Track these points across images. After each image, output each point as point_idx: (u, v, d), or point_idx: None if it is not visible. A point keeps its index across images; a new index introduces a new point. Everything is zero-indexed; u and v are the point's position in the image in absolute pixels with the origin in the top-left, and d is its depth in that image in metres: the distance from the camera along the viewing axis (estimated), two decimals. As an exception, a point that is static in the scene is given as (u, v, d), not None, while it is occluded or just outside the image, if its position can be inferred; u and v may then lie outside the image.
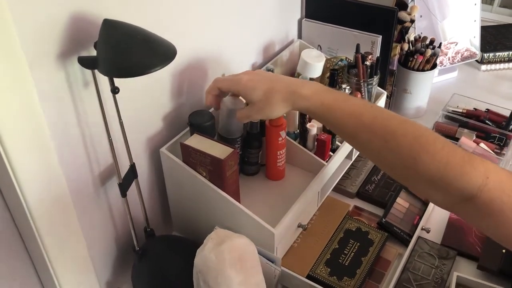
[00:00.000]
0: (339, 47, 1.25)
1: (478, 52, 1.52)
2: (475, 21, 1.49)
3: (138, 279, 0.85)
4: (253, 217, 0.80)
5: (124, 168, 0.79)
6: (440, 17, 1.44)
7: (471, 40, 1.51)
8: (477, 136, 1.20)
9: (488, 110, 1.28)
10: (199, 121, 0.87)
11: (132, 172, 0.80)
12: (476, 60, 1.55)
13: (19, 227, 0.72)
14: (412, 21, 1.29)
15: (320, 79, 1.13)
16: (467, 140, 1.17)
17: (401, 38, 1.28)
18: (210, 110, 0.90)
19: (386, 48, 1.19)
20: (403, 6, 1.25)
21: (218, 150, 0.80)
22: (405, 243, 0.95)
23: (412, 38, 1.29)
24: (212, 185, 0.82)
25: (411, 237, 0.96)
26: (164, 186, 0.93)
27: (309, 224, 0.98)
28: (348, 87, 1.05)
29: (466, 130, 1.21)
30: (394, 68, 1.27)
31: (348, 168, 1.09)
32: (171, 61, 0.66)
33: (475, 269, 0.91)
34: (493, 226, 0.61)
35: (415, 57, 1.26)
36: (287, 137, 0.97)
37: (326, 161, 0.97)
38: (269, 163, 0.98)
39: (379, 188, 1.09)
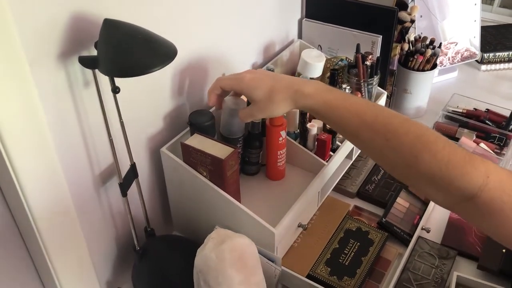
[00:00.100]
0: (339, 47, 1.25)
1: (478, 52, 1.52)
2: (475, 21, 1.49)
3: (138, 278, 0.85)
4: (254, 216, 0.80)
5: (125, 167, 0.79)
6: (440, 17, 1.44)
7: (471, 40, 1.51)
8: (477, 136, 1.20)
9: (488, 110, 1.28)
10: (199, 120, 0.87)
11: (133, 171, 0.80)
12: (476, 60, 1.56)
13: (19, 227, 0.72)
14: (412, 21, 1.29)
15: (321, 79, 1.13)
16: (467, 140, 1.17)
17: (401, 38, 1.28)
18: (211, 110, 0.90)
19: (386, 48, 1.19)
20: (403, 6, 1.26)
21: (218, 150, 0.81)
22: (405, 243, 0.95)
23: (412, 38, 1.29)
24: (212, 185, 0.82)
25: (411, 237, 0.96)
26: (164, 185, 0.93)
27: (309, 224, 0.98)
28: (349, 87, 1.05)
29: (466, 130, 1.21)
30: (394, 68, 1.27)
31: (348, 168, 1.09)
32: (171, 61, 0.66)
33: (475, 269, 0.91)
34: (493, 225, 0.61)
35: (415, 57, 1.26)
36: (287, 137, 0.97)
37: (326, 161, 0.97)
38: (269, 163, 0.98)
39: (379, 188, 1.09)
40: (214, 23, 0.97)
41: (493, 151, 1.15)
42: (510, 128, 1.20)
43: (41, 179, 0.67)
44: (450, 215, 1.02)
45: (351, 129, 0.68)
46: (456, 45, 1.49)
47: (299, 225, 0.92)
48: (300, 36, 1.32)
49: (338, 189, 1.08)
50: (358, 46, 1.09)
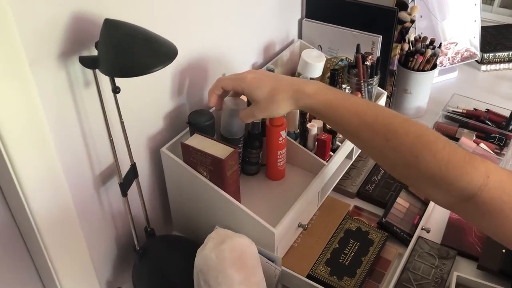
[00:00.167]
0: (339, 47, 1.25)
1: (478, 52, 1.52)
2: (475, 21, 1.49)
3: (138, 278, 0.85)
4: (254, 216, 0.80)
5: (125, 167, 0.79)
6: (440, 17, 1.44)
7: (471, 41, 1.51)
8: (477, 136, 1.20)
9: (488, 110, 1.28)
10: (199, 120, 0.87)
11: (133, 171, 0.80)
12: (476, 61, 1.56)
13: (20, 227, 0.72)
14: (412, 21, 1.29)
15: (321, 79, 1.14)
16: (467, 140, 1.17)
17: (401, 38, 1.28)
18: (211, 110, 0.91)
19: (386, 48, 1.19)
20: (403, 6, 1.26)
21: (218, 150, 0.81)
22: (405, 243, 0.95)
23: (412, 38, 1.30)
24: (212, 185, 0.82)
25: (411, 237, 0.96)
26: (164, 185, 0.93)
27: (309, 224, 0.98)
28: (349, 87, 1.05)
29: (466, 130, 1.22)
30: (394, 68, 1.27)
31: (348, 168, 1.09)
32: (172, 61, 0.66)
33: (475, 269, 0.91)
34: (493, 225, 0.61)
35: (415, 57, 1.26)
36: (287, 137, 0.97)
37: (327, 161, 0.97)
38: (269, 163, 0.98)
39: (379, 188, 1.09)
40: (214, 23, 0.97)
41: (493, 151, 1.15)
42: (510, 128, 1.20)
43: (41, 179, 0.67)
44: (450, 215, 1.02)
45: (352, 129, 0.68)
46: (456, 45, 1.49)
47: (299, 225, 0.92)
48: (300, 36, 1.32)
49: (338, 189, 1.08)
50: (358, 46, 1.09)
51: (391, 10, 1.16)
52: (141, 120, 0.85)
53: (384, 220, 0.98)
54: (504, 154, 1.15)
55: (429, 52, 1.25)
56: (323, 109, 0.70)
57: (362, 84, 1.09)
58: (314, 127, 0.99)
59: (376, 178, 1.11)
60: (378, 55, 1.18)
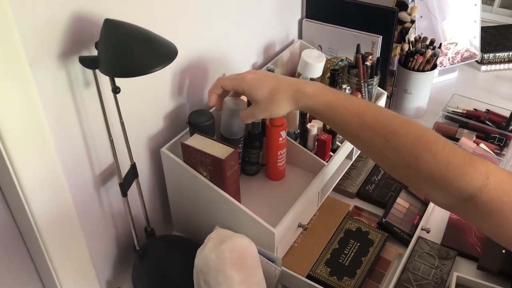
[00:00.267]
0: (339, 48, 1.25)
1: (478, 52, 1.52)
2: (475, 21, 1.49)
3: (138, 278, 0.85)
4: (254, 217, 0.80)
5: (125, 167, 0.79)
6: (440, 17, 1.44)
7: (471, 41, 1.51)
8: (477, 137, 1.20)
9: (488, 111, 1.28)
10: (199, 120, 0.87)
11: (133, 171, 0.80)
12: (476, 61, 1.56)
13: (20, 227, 0.72)
14: (412, 22, 1.29)
15: (321, 80, 1.14)
16: (467, 140, 1.17)
17: (401, 39, 1.28)
18: (211, 110, 0.90)
19: (386, 49, 1.19)
20: (403, 7, 1.26)
21: (218, 150, 0.81)
22: (405, 243, 0.95)
23: (412, 39, 1.30)
24: (212, 185, 0.82)
25: (411, 237, 0.96)
26: (164, 186, 0.93)
27: (309, 224, 0.98)
28: (349, 88, 1.05)
29: (466, 131, 1.22)
30: (395, 69, 1.27)
31: (348, 168, 1.09)
32: (172, 61, 0.66)
33: (475, 269, 0.91)
34: (493, 226, 0.61)
35: (415, 57, 1.26)
36: (287, 137, 0.97)
37: (327, 161, 0.97)
38: (269, 163, 0.98)
39: (379, 188, 1.09)
40: (214, 23, 0.97)
41: (493, 151, 1.15)
42: (510, 129, 1.20)
43: (41, 179, 0.67)
44: (450, 215, 1.02)
45: (351, 129, 0.68)
46: (456, 45, 1.49)
47: (299, 225, 0.92)
48: (300, 36, 1.32)
49: (338, 189, 1.08)
50: (358, 47, 1.09)
51: (391, 10, 1.16)
52: (141, 120, 0.85)
53: (384, 220, 0.98)
54: (504, 155, 1.15)
55: (429, 52, 1.25)
56: (323, 109, 0.70)
57: (362, 84, 1.09)
58: (314, 127, 0.99)
59: (376, 178, 1.11)
60: (378, 55, 1.18)
